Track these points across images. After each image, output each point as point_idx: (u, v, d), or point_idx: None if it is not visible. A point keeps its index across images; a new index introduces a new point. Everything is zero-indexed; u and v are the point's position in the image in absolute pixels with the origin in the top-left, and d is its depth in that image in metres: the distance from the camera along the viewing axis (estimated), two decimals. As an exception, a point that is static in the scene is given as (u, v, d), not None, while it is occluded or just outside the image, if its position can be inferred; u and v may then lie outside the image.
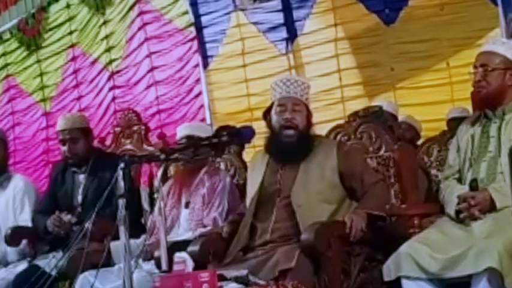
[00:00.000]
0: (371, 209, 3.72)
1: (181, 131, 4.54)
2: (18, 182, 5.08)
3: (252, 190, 3.94)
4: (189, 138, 4.37)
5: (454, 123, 5.14)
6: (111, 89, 8.41)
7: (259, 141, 4.06)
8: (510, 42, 3.81)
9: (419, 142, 5.11)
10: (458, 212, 3.54)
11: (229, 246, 3.86)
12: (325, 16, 7.12)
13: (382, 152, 4.06)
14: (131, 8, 8.25)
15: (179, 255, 3.47)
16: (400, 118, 5.97)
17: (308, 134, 3.90)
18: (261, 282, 3.35)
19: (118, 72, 8.37)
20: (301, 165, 3.83)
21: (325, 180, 3.79)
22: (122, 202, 3.07)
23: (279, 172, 3.89)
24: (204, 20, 7.74)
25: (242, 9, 7.53)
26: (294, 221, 3.72)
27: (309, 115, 3.90)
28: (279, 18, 7.33)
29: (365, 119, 4.15)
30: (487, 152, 3.61)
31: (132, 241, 3.30)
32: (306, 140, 3.87)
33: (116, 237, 3.27)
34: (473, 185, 3.53)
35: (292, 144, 3.84)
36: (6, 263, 4.91)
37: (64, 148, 4.89)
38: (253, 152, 4.34)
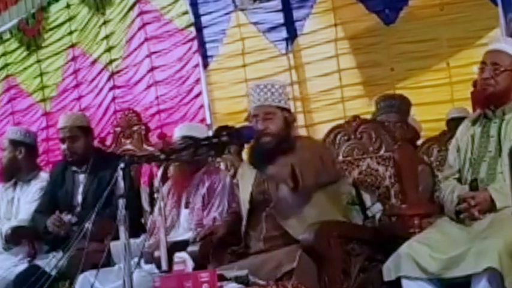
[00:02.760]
0: None
1: (178, 132, 4.54)
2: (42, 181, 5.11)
3: (243, 198, 3.90)
4: (186, 138, 4.37)
5: (454, 123, 5.13)
6: (111, 89, 8.42)
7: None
8: None
9: (419, 142, 5.10)
10: (458, 212, 3.54)
11: (226, 244, 3.86)
12: (325, 16, 7.12)
13: (382, 152, 4.05)
14: (131, 8, 8.25)
15: (179, 255, 3.47)
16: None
17: (288, 136, 3.80)
18: (261, 282, 3.35)
19: (118, 72, 8.37)
20: None
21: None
22: (122, 202, 3.06)
23: (265, 182, 3.83)
24: (204, 20, 7.75)
25: (242, 9, 7.54)
26: (284, 229, 3.69)
27: (286, 117, 3.80)
28: (279, 18, 7.33)
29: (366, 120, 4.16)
30: (487, 152, 3.61)
31: (132, 241, 3.29)
32: (285, 141, 3.77)
33: (116, 237, 3.27)
34: (473, 185, 3.53)
35: (270, 150, 3.74)
36: None
37: (63, 146, 4.89)
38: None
